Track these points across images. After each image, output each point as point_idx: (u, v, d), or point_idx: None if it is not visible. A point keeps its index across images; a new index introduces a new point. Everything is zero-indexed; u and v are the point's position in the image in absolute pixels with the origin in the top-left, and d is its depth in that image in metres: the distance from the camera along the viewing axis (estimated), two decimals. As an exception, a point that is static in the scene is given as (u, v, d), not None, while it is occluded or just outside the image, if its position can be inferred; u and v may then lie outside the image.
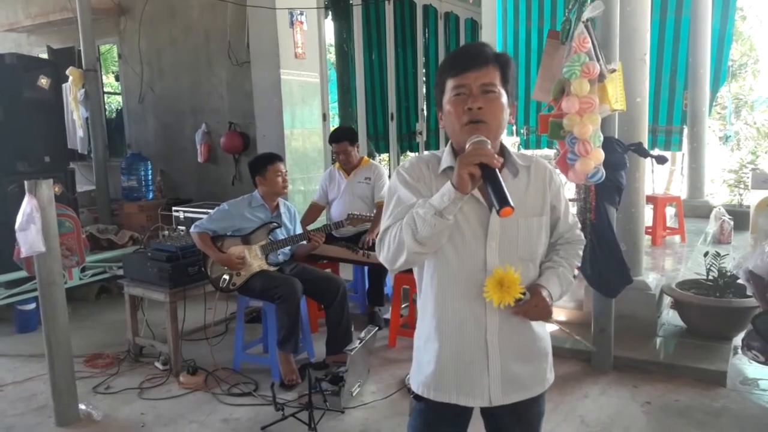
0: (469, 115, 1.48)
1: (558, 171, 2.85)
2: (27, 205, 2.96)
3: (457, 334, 1.56)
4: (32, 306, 4.43)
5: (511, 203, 1.33)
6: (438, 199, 1.40)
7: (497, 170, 1.38)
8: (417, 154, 7.84)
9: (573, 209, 1.79)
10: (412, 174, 1.58)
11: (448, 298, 1.56)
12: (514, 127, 6.73)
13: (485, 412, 1.66)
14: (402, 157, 7.96)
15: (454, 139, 1.55)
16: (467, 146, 1.42)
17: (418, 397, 1.67)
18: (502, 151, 1.58)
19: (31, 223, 2.93)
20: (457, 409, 1.61)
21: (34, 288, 3.30)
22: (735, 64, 10.30)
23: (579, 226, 1.75)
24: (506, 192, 1.35)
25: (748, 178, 7.10)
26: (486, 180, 1.37)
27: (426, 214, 1.41)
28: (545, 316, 1.56)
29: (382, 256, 1.54)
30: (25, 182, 3.00)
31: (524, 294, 1.50)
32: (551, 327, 1.74)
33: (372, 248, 4.10)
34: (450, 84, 1.51)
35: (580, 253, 1.72)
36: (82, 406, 3.19)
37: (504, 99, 1.51)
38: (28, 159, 5.07)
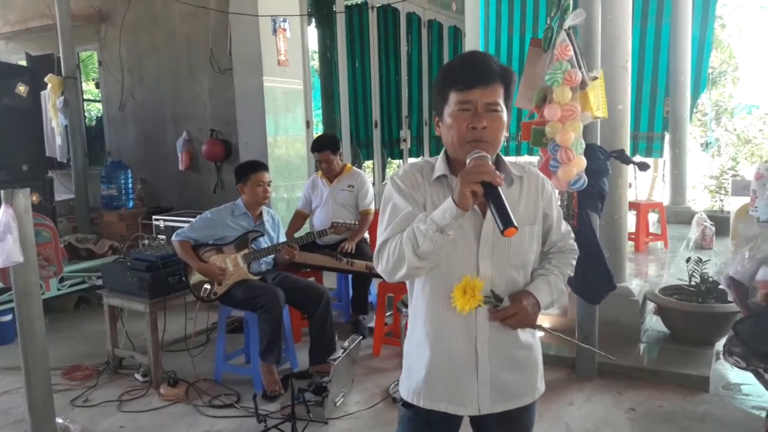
0: (473, 135, 1.47)
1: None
2: (3, 215, 2.90)
3: (447, 342, 1.56)
4: (8, 317, 4.34)
5: (515, 223, 1.34)
6: (440, 216, 1.40)
7: (499, 188, 1.37)
8: (401, 161, 7.85)
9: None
10: (407, 182, 1.58)
11: (439, 305, 1.56)
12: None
13: (474, 421, 1.66)
14: (388, 164, 7.95)
15: (452, 151, 1.54)
16: (468, 161, 1.42)
17: (406, 405, 1.66)
18: (498, 161, 1.58)
19: (8, 234, 2.87)
20: (445, 417, 1.61)
21: (10, 299, 3.24)
22: (715, 72, 10.44)
23: (572, 235, 1.75)
24: (509, 212, 1.35)
25: (728, 184, 7.18)
26: (488, 198, 1.37)
27: (428, 230, 1.40)
28: (526, 324, 1.56)
29: (381, 268, 1.53)
30: (2, 192, 2.94)
31: (500, 301, 1.50)
32: (541, 334, 1.72)
33: (351, 256, 4.07)
34: (454, 97, 1.49)
35: (573, 263, 1.72)
36: (59, 420, 3.11)
37: (505, 116, 1.52)
38: (6, 167, 5.00)
